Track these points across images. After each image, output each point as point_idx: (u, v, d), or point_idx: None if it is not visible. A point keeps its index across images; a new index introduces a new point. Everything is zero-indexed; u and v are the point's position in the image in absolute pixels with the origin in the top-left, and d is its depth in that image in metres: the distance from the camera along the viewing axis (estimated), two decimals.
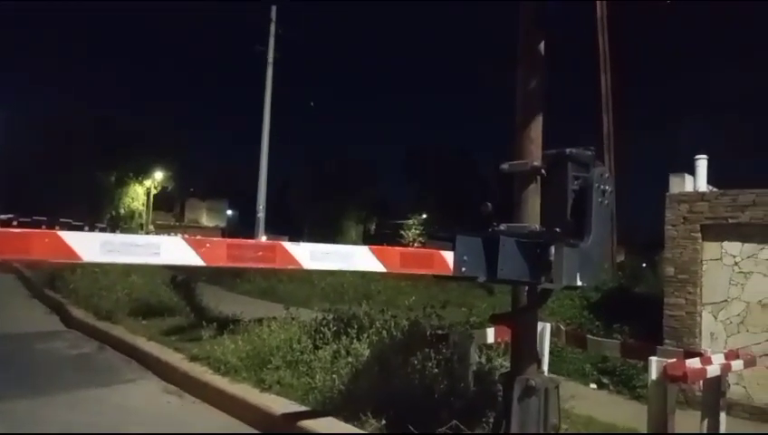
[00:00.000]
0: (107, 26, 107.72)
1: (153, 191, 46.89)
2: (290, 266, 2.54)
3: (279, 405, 4.90)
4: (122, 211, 44.22)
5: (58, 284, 12.32)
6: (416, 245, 33.00)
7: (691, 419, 4.76)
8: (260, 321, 6.94)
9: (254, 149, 24.93)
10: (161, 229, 45.26)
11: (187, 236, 2.68)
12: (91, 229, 26.38)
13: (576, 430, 4.89)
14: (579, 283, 3.20)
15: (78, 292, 10.86)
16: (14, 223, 20.29)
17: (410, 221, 46.36)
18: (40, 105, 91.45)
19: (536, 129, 3.54)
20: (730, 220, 7.07)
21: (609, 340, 6.27)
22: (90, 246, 2.08)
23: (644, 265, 17.20)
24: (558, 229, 3.14)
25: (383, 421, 4.22)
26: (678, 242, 7.46)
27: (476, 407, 4.31)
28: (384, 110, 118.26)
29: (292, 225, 44.14)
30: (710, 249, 7.31)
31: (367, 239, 47.71)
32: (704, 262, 7.32)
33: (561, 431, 3.87)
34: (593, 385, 7.58)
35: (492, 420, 4.02)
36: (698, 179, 7.75)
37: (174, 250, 2.28)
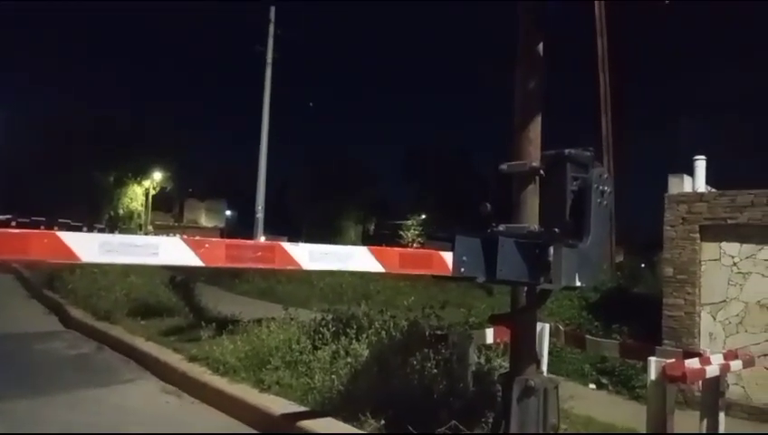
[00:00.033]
0: (107, 26, 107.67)
1: (152, 192, 46.86)
2: (289, 267, 2.54)
3: (278, 405, 4.90)
4: (121, 212, 44.19)
5: (57, 284, 12.31)
6: (415, 245, 32.99)
7: (690, 419, 4.77)
8: (259, 321, 6.93)
9: (254, 149, 24.99)
10: (160, 230, 45.20)
11: (185, 236, 2.68)
12: (90, 230, 26.37)
13: (575, 431, 4.89)
14: (578, 283, 3.20)
15: (77, 292, 10.85)
16: (13, 223, 20.26)
17: (409, 222, 46.33)
18: (40, 105, 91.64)
19: (535, 129, 3.54)
20: (728, 221, 7.08)
21: (608, 340, 6.27)
22: (88, 246, 2.08)
23: (643, 265, 17.23)
24: (557, 230, 3.14)
25: (382, 422, 4.22)
26: (677, 242, 7.47)
27: (475, 407, 4.31)
28: (384, 110, 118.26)
29: (291, 225, 44.15)
30: (709, 250, 7.31)
31: (366, 240, 47.73)
32: (702, 262, 7.33)
33: (561, 431, 3.87)
34: (592, 385, 7.58)
35: (491, 420, 4.02)
36: (697, 180, 7.76)
37: (173, 250, 2.28)
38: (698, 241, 7.33)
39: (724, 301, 7.13)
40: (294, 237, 30.82)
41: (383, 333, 5.65)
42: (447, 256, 2.90)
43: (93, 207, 40.23)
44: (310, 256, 2.57)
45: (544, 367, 5.24)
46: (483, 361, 5.27)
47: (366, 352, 5.34)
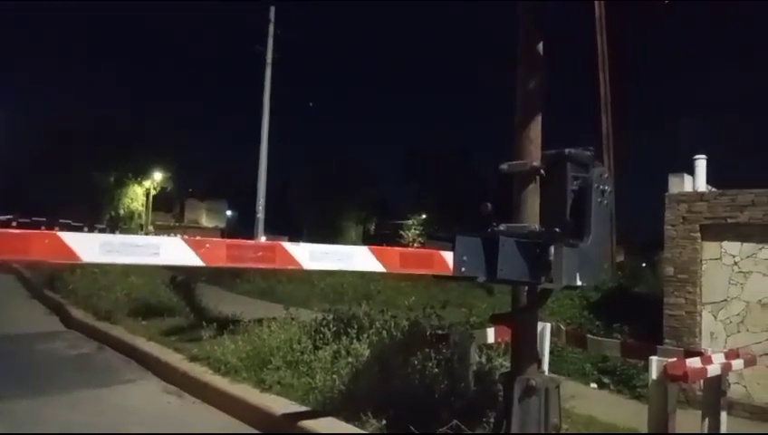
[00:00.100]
0: (107, 26, 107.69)
1: (152, 192, 46.86)
2: (289, 267, 2.54)
3: (279, 405, 4.90)
4: (122, 212, 44.17)
5: (57, 284, 12.31)
6: (415, 245, 33.00)
7: (692, 418, 4.76)
8: (260, 321, 6.93)
9: (254, 149, 24.95)
10: (161, 230, 45.20)
11: (186, 236, 2.68)
12: (91, 230, 26.35)
13: (577, 430, 4.89)
14: (578, 283, 3.20)
15: (77, 292, 10.85)
16: (14, 224, 20.26)
17: (410, 221, 46.34)
18: (40, 105, 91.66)
19: (535, 129, 3.54)
20: (729, 220, 7.08)
21: (610, 339, 6.27)
22: (89, 246, 2.08)
23: (643, 264, 17.22)
24: (557, 229, 3.14)
25: (383, 421, 4.22)
26: (678, 242, 7.47)
27: (477, 407, 4.31)
28: (384, 110, 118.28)
29: (291, 225, 44.14)
30: (709, 249, 7.31)
31: (366, 239, 47.71)
32: (703, 262, 7.33)
33: (562, 431, 3.86)
34: (594, 385, 7.58)
35: (492, 419, 4.02)
36: (697, 179, 7.77)
37: (173, 251, 2.27)
38: (699, 240, 7.33)
39: (725, 300, 7.13)
40: (295, 237, 30.79)
41: (384, 332, 5.65)
42: (448, 256, 2.90)
43: (94, 208, 40.21)
44: (310, 255, 2.57)
45: (545, 366, 5.25)
46: (484, 360, 5.27)
47: (367, 352, 5.34)
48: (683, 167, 8.00)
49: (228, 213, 63.52)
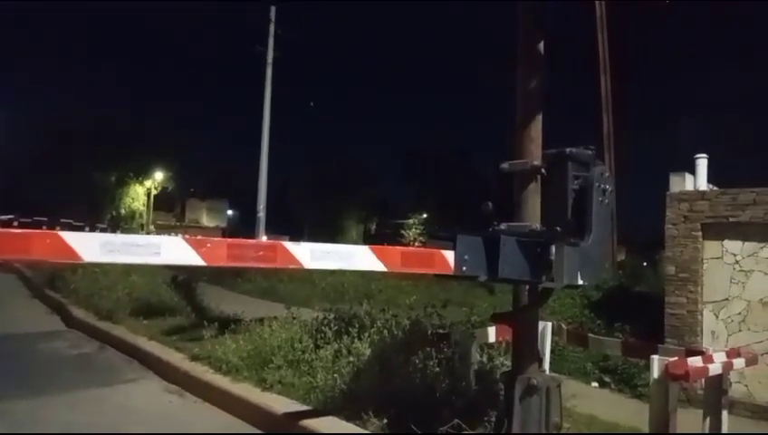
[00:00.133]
0: (107, 26, 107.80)
1: (153, 191, 46.88)
2: (291, 266, 2.54)
3: (281, 404, 4.90)
4: (123, 211, 44.19)
5: (59, 284, 12.33)
6: (416, 244, 33.00)
7: (693, 417, 4.76)
8: (261, 320, 6.93)
9: (254, 149, 24.90)
10: (162, 229, 45.25)
11: (187, 236, 2.68)
12: (92, 230, 26.35)
13: (578, 430, 4.88)
14: (580, 282, 3.20)
15: (78, 292, 10.87)
16: (15, 223, 20.29)
17: (411, 221, 46.34)
18: (40, 105, 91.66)
19: (536, 128, 3.53)
20: (730, 219, 7.07)
21: (611, 338, 6.27)
22: (90, 246, 2.08)
23: (644, 264, 17.21)
24: (558, 228, 3.14)
25: (385, 420, 4.22)
26: (679, 241, 7.46)
27: (478, 406, 4.31)
28: (384, 110, 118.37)
29: (292, 224, 44.17)
30: (711, 248, 7.31)
31: (367, 239, 47.73)
32: (704, 260, 7.32)
33: (563, 430, 3.86)
34: (595, 384, 7.58)
35: (493, 419, 4.02)
36: (699, 178, 7.76)
37: (174, 250, 2.27)
38: (700, 239, 7.33)
39: (727, 299, 7.12)
40: (296, 237, 30.83)
41: (385, 331, 5.65)
42: (449, 255, 2.90)
43: (95, 207, 40.24)
44: (311, 255, 2.57)
45: (547, 366, 5.25)
46: (485, 359, 5.26)
47: (368, 351, 5.34)
48: (683, 167, 8.01)
49: (229, 213, 63.56)
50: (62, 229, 2.17)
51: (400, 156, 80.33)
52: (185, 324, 8.18)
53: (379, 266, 2.77)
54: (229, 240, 2.47)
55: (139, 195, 45.56)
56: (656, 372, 3.93)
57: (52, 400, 5.41)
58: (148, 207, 46.89)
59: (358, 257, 2.71)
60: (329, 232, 42.00)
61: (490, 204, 3.54)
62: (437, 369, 4.85)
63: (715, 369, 4.23)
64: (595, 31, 14.93)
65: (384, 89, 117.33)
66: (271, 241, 2.67)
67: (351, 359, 5.30)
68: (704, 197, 7.38)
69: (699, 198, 7.39)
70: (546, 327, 5.45)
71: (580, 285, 3.29)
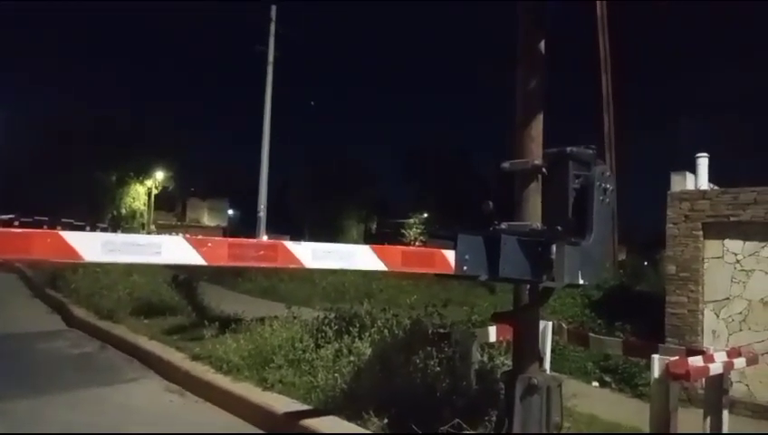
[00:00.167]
0: (107, 26, 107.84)
1: (154, 191, 46.90)
2: (291, 266, 2.53)
3: (281, 404, 4.90)
4: (124, 211, 44.22)
5: (59, 283, 12.34)
6: (417, 244, 33.01)
7: (693, 417, 4.76)
8: (262, 320, 6.93)
9: (254, 149, 24.96)
10: (163, 229, 45.25)
11: (188, 235, 2.68)
12: (93, 229, 26.35)
13: (578, 429, 4.88)
14: (580, 281, 3.20)
15: (79, 291, 10.87)
16: (16, 223, 20.31)
17: (411, 220, 46.34)
18: (40, 105, 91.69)
19: (537, 127, 3.53)
20: (731, 218, 7.07)
21: (611, 338, 6.27)
22: (91, 245, 2.07)
23: (645, 263, 17.21)
24: (559, 228, 3.14)
25: (385, 420, 4.22)
26: (680, 240, 7.46)
27: (479, 405, 4.31)
28: (384, 110, 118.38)
29: (292, 224, 44.17)
30: (711, 247, 7.31)
31: (368, 238, 47.75)
32: (705, 260, 7.32)
33: (564, 430, 3.86)
34: (595, 383, 7.58)
35: (494, 418, 4.01)
36: (699, 178, 7.76)
37: (175, 250, 2.27)
38: (701, 238, 7.32)
39: (728, 298, 7.12)
40: (297, 237, 30.80)
41: (386, 331, 5.65)
42: (450, 255, 2.90)
43: (95, 207, 40.26)
44: (312, 254, 2.57)
45: (547, 365, 5.25)
46: (486, 359, 5.26)
47: (369, 351, 5.34)
48: (683, 166, 8.01)
49: (230, 212, 63.59)
50: (63, 229, 2.17)
51: (400, 156, 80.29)
52: (185, 324, 8.18)
53: (379, 266, 2.77)
54: (230, 240, 2.47)
55: (139, 194, 45.58)
56: (656, 372, 3.93)
57: (53, 399, 5.41)
58: (148, 206, 46.91)
59: (358, 257, 2.71)
60: (329, 232, 42.02)
61: (491, 203, 3.53)
62: (438, 368, 4.85)
63: (715, 368, 4.23)
64: (595, 31, 14.92)
65: (384, 89, 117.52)
66: (272, 241, 2.67)
67: (352, 358, 5.30)
68: (705, 196, 7.38)
69: (700, 198, 7.39)
70: (547, 327, 5.45)
71: (581, 285, 3.29)
